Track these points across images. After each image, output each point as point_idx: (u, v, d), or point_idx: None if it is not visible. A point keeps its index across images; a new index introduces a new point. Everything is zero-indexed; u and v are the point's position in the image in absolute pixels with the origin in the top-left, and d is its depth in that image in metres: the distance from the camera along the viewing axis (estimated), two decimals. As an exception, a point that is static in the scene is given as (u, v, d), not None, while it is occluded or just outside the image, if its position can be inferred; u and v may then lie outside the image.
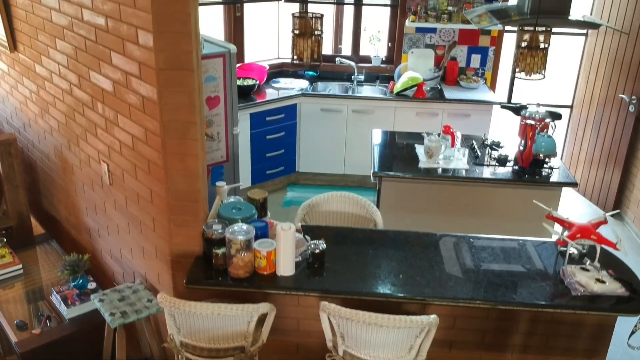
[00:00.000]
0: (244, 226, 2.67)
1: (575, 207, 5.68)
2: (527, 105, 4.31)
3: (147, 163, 2.77)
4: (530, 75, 2.65)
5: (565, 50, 8.99)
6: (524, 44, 2.65)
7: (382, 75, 5.94)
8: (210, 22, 6.16)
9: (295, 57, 2.59)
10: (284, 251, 2.65)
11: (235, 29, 5.57)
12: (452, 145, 4.08)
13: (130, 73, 2.66)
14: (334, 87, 5.87)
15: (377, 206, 4.12)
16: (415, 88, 5.45)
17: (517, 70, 2.72)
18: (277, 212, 5.37)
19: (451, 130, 4.10)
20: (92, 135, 3.21)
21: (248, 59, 5.87)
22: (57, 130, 3.64)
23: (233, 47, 3.53)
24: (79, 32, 2.99)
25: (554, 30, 3.67)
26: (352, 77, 5.84)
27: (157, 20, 2.39)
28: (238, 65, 5.57)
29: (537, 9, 3.59)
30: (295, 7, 5.83)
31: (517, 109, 4.32)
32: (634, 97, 5.08)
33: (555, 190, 3.96)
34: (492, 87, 5.93)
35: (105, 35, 2.76)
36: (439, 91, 5.59)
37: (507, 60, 6.08)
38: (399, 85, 5.52)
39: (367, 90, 5.80)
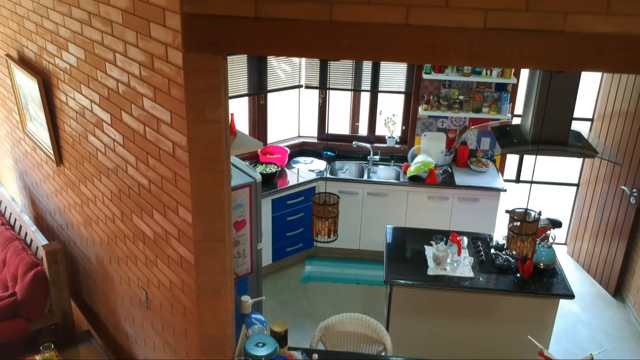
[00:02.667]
0: (267, 369, 3.04)
1: (579, 285, 5.95)
2: (530, 212, 4.62)
3: (182, 307, 3.15)
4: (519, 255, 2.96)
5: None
6: (515, 230, 2.97)
7: (396, 155, 6.28)
8: (236, 109, 6.55)
9: (314, 234, 2.96)
10: (302, 393, 3.01)
11: (259, 116, 5.95)
12: (459, 253, 4.41)
13: (170, 233, 3.04)
14: (351, 166, 6.22)
15: (388, 308, 4.47)
16: (428, 172, 5.79)
17: (508, 248, 3.04)
18: (295, 289, 5.74)
19: (457, 238, 4.43)
20: (132, 263, 3.60)
21: (271, 139, 6.25)
22: (99, 244, 4.03)
23: (258, 176, 3.90)
24: (124, 179, 3.38)
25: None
26: (368, 157, 6.19)
27: (196, 204, 2.76)
28: (259, 149, 5.96)
29: (538, 139, 3.92)
30: (315, 93, 6.21)
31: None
32: (634, 190, 5.36)
33: (553, 299, 4.27)
34: (502, 167, 6.24)
35: (147, 194, 3.15)
36: (450, 175, 5.91)
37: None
38: (412, 169, 5.86)
39: (382, 170, 6.15)
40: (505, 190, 5.72)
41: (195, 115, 2.59)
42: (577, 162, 6.63)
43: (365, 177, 6.04)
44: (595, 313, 5.61)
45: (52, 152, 4.29)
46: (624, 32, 2.26)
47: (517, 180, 6.54)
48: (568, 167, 8.32)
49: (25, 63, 4.37)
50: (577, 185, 6.42)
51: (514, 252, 2.95)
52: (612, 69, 2.37)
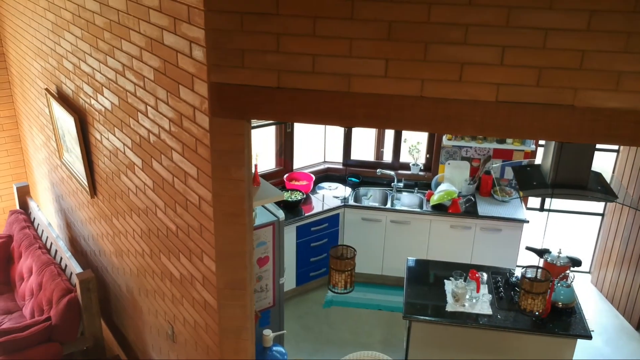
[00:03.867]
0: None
1: (602, 317, 5.94)
2: (550, 250, 4.68)
3: (206, 346, 3.30)
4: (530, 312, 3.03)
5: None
6: (526, 288, 3.04)
7: (420, 182, 6.36)
8: (264, 137, 6.74)
9: (332, 284, 3.09)
10: None
11: (286, 144, 6.10)
12: (478, 290, 4.48)
13: (195, 277, 3.20)
14: (375, 193, 6.32)
15: (407, 342, 4.56)
16: (451, 201, 5.86)
17: (519, 304, 3.10)
18: (317, 314, 5.87)
19: (477, 275, 4.50)
20: (160, 298, 3.78)
21: (297, 165, 6.39)
22: (129, 275, 4.22)
23: (281, 214, 4.04)
24: (153, 221, 3.55)
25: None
26: (392, 184, 6.28)
27: (220, 254, 2.91)
28: (286, 175, 6.11)
29: (552, 183, 3.98)
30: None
31: (540, 252, 4.69)
32: (659, 225, 5.34)
33: (570, 339, 4.31)
34: (525, 198, 6.26)
35: (175, 238, 3.31)
36: (473, 204, 5.97)
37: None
38: (435, 198, 5.93)
39: (405, 197, 6.23)
40: (527, 222, 5.75)
41: (220, 174, 2.74)
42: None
43: (388, 204, 6.14)
44: (617, 347, 5.60)
45: (86, 184, 4.50)
46: (633, 108, 2.34)
47: (542, 209, 6.56)
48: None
49: (63, 99, 4.59)
50: (602, 215, 6.41)
51: (525, 309, 3.02)
52: (621, 141, 2.44)
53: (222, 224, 2.84)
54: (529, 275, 3.01)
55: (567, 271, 4.43)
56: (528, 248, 4.80)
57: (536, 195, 4.15)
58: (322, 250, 6.00)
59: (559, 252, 4.58)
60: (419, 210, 5.97)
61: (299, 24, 2.41)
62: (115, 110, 3.67)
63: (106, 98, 3.76)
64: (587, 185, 4.05)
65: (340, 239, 6.10)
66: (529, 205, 6.36)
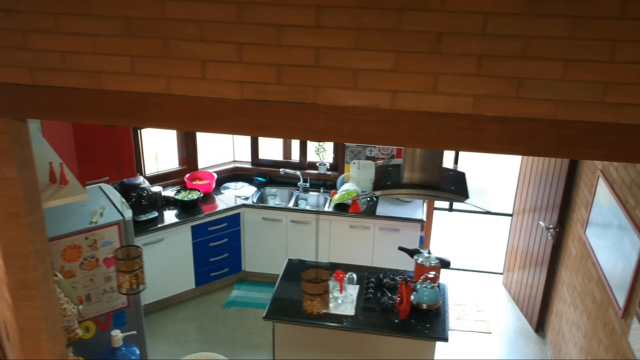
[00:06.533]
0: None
1: (505, 318, 5.88)
2: (421, 250, 4.63)
3: (18, 347, 3.27)
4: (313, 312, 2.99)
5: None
6: (306, 290, 2.99)
7: (328, 182, 6.32)
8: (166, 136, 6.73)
9: (118, 286, 3.06)
10: None
11: (187, 141, 6.07)
12: (341, 291, 4.43)
13: (0, 277, 3.17)
14: (281, 193, 6.29)
15: (273, 342, 4.53)
16: (351, 201, 5.82)
17: (302, 306, 3.05)
18: (215, 315, 5.83)
19: (341, 275, 4.45)
20: (-3, 297, 3.76)
21: (203, 164, 6.35)
22: (-15, 274, 4.20)
23: (129, 215, 4.01)
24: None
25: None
26: (299, 183, 6.24)
27: (6, 255, 2.88)
28: (187, 175, 6.07)
29: (397, 183, 3.96)
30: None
31: (411, 253, 4.65)
32: (550, 225, 5.28)
33: (430, 342, 4.25)
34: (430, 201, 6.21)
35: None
36: (374, 204, 5.92)
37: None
38: (336, 198, 5.89)
39: (311, 197, 6.20)
40: (424, 222, 5.70)
41: (-9, 173, 2.71)
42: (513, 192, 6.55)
43: (291, 204, 6.09)
44: (515, 348, 5.54)
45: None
46: (374, 106, 2.29)
47: (450, 209, 6.52)
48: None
49: None
50: (512, 215, 6.35)
51: (307, 311, 2.97)
52: (368, 141, 2.39)
53: (3, 224, 2.81)
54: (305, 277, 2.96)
55: (431, 273, 4.38)
56: (400, 248, 4.76)
57: (386, 195, 4.10)
58: (223, 250, 5.97)
59: (429, 253, 4.54)
60: (317, 210, 5.93)
61: (42, 20, 2.37)
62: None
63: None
64: (440, 185, 3.99)
65: (242, 239, 6.06)
66: (437, 206, 6.31)
